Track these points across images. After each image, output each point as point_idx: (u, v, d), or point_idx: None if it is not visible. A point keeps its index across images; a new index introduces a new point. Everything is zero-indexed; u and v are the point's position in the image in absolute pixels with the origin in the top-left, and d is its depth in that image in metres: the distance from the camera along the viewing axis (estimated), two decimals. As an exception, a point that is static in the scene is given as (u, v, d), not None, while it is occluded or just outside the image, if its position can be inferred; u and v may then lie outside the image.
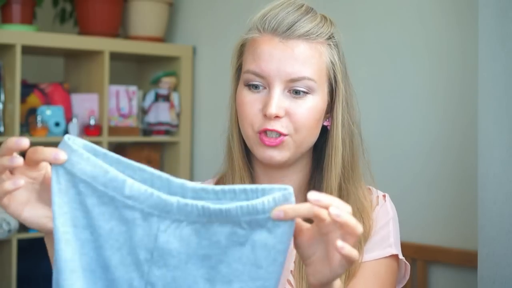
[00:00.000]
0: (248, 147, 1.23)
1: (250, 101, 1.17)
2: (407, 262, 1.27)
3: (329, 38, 1.21)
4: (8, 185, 0.88)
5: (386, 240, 1.23)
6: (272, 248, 0.87)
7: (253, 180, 1.26)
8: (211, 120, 3.05)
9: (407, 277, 1.28)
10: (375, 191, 1.29)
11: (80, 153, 0.88)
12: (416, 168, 2.23)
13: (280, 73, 1.15)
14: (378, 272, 1.20)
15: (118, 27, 3.04)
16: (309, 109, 1.17)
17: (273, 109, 1.14)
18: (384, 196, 1.29)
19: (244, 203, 0.86)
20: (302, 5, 1.21)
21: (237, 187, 0.88)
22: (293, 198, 0.86)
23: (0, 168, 0.88)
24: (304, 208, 0.85)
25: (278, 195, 0.86)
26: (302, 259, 0.91)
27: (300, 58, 1.16)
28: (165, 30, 3.15)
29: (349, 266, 0.87)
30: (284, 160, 1.19)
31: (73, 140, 0.88)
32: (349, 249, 0.84)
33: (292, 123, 1.16)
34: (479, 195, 1.74)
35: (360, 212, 1.22)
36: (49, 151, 0.87)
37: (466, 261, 2.07)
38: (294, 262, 1.21)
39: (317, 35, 1.18)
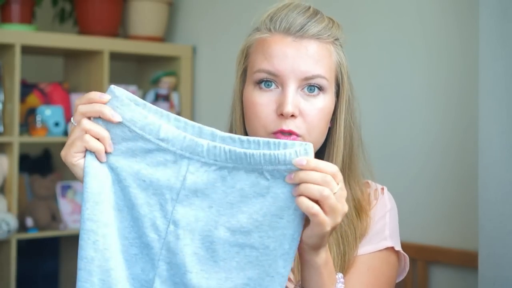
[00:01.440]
0: None
1: (263, 102, 1.16)
2: (405, 254, 1.26)
3: (337, 39, 1.22)
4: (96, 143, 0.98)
5: (381, 233, 1.23)
6: (293, 199, 0.93)
7: None
8: (211, 120, 3.05)
9: (407, 268, 1.28)
10: (373, 184, 1.29)
11: (121, 99, 0.96)
12: (416, 168, 2.23)
13: (295, 71, 1.15)
14: (372, 266, 1.20)
15: (117, 26, 3.04)
16: (321, 109, 1.17)
17: (289, 108, 1.13)
18: (382, 189, 1.29)
19: (267, 151, 0.94)
20: (309, 7, 1.21)
21: (261, 139, 0.95)
22: (312, 153, 0.94)
23: (95, 113, 0.98)
24: (326, 165, 0.94)
25: (299, 149, 0.93)
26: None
27: (314, 57, 1.16)
28: (165, 30, 3.15)
29: (317, 225, 0.95)
30: None
31: (118, 89, 0.97)
32: (306, 205, 0.93)
33: (306, 123, 1.16)
34: (479, 195, 1.73)
35: (358, 211, 1.23)
36: (93, 94, 1.00)
37: (466, 261, 2.06)
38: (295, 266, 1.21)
39: (328, 35, 1.19)
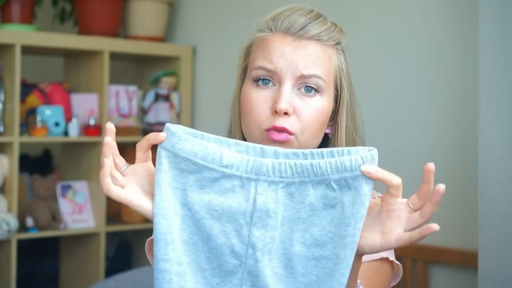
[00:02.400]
0: None
1: (258, 99, 1.17)
2: (399, 263, 1.27)
3: (338, 43, 1.22)
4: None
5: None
6: (361, 205, 0.95)
7: None
8: (211, 120, 3.05)
9: (401, 274, 1.28)
10: (374, 193, 1.29)
11: (178, 134, 0.98)
12: (416, 168, 2.22)
13: (292, 69, 1.15)
14: (365, 274, 1.19)
15: (118, 27, 3.04)
16: (316, 109, 1.17)
17: (283, 105, 1.13)
18: (381, 197, 1.29)
19: (333, 159, 0.95)
20: (313, 10, 1.22)
21: (325, 150, 0.96)
22: (377, 158, 0.96)
23: (145, 144, 1.01)
24: (392, 176, 0.96)
25: (364, 154, 0.95)
26: None
27: (312, 57, 1.16)
28: (165, 30, 3.15)
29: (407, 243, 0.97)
30: None
31: (173, 126, 0.98)
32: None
33: (299, 122, 1.16)
34: (479, 195, 1.73)
35: None
36: (150, 135, 1.00)
37: (466, 261, 2.06)
38: None
39: (328, 38, 1.19)
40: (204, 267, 0.98)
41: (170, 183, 0.98)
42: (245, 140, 1.24)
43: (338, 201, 0.95)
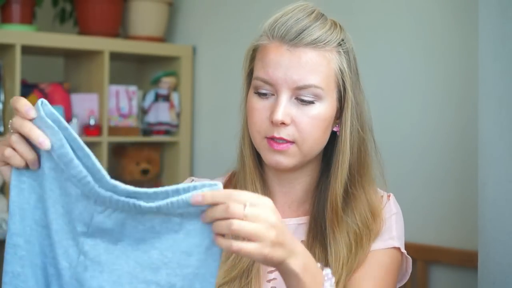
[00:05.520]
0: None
1: (259, 108, 1.19)
2: (408, 256, 1.28)
3: (339, 44, 1.22)
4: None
5: (388, 233, 1.25)
6: (207, 237, 0.90)
7: (263, 182, 1.29)
8: (211, 120, 3.05)
9: (409, 271, 1.30)
10: (380, 191, 1.30)
11: (45, 120, 0.93)
12: (416, 168, 2.23)
13: (287, 81, 1.17)
14: (382, 261, 1.22)
15: (118, 27, 3.04)
16: (315, 118, 1.18)
17: (279, 116, 1.16)
18: (388, 196, 1.31)
19: (175, 199, 0.89)
20: (313, 12, 1.21)
21: (170, 188, 0.90)
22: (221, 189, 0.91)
23: (25, 135, 0.94)
24: (221, 193, 0.89)
25: (207, 190, 0.90)
26: None
27: (307, 66, 1.17)
28: (165, 30, 3.15)
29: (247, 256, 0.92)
30: (291, 166, 1.21)
31: (46, 106, 0.93)
32: (225, 245, 0.90)
33: (298, 131, 1.18)
34: (479, 195, 1.73)
35: (373, 213, 1.25)
36: (35, 133, 0.93)
37: (466, 261, 2.07)
38: None
39: (325, 43, 1.19)
40: (47, 253, 0.95)
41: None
42: (253, 145, 1.25)
43: (183, 227, 0.90)
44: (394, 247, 1.24)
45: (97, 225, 0.93)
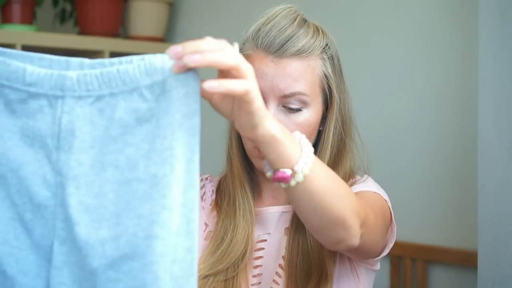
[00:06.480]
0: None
1: None
2: (393, 222, 1.28)
3: (323, 51, 1.24)
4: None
5: (367, 186, 1.26)
6: (177, 112, 0.83)
7: (253, 183, 1.32)
8: (210, 120, 3.05)
9: (394, 235, 1.29)
10: (358, 177, 1.32)
11: None
12: (416, 168, 2.23)
13: (274, 89, 1.19)
14: (365, 196, 1.22)
15: (118, 27, 3.04)
16: (302, 124, 1.21)
17: None
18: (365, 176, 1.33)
19: (142, 62, 0.83)
20: (295, 18, 1.23)
21: (135, 56, 0.85)
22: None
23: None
24: (234, 84, 0.84)
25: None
26: (227, 118, 0.91)
27: (292, 75, 1.19)
28: (165, 30, 3.15)
29: (242, 94, 0.85)
30: None
31: None
32: (225, 86, 0.83)
33: None
34: (479, 195, 1.73)
35: None
36: None
37: (466, 261, 2.07)
38: (286, 247, 1.25)
39: (309, 52, 1.21)
40: (16, 202, 0.86)
41: None
42: (242, 147, 1.28)
43: (154, 113, 0.83)
44: (375, 192, 1.25)
45: (66, 128, 0.85)
